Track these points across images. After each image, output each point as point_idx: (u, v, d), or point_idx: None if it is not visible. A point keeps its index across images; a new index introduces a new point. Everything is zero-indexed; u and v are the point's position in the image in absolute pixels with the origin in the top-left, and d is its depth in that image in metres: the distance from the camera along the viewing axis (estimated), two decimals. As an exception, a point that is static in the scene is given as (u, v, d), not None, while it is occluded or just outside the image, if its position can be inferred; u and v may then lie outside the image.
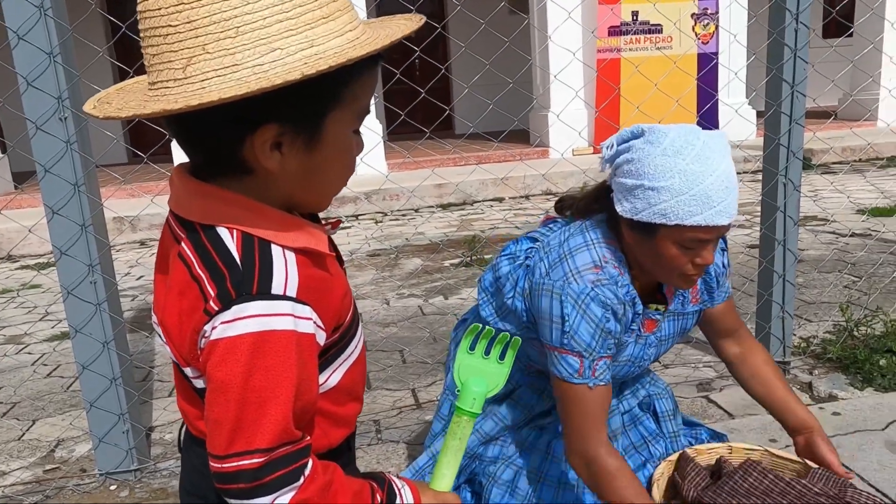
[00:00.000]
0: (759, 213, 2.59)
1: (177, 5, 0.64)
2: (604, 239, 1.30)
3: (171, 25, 0.65)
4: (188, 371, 0.76)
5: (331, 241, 0.82)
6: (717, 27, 8.12)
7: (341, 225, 0.78)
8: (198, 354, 0.72)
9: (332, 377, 0.81)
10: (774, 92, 2.34)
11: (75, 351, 1.96)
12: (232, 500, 0.72)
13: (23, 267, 5.29)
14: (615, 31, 8.07)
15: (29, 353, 3.30)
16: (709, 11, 8.08)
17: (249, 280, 0.69)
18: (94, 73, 2.14)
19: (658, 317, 1.38)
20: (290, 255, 0.73)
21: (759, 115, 8.24)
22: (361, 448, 2.17)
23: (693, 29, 8.11)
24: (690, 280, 1.26)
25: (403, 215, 6.40)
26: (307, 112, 0.71)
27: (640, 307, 1.30)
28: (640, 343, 1.37)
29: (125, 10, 2.28)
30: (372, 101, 0.79)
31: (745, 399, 2.40)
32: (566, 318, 1.23)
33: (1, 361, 3.21)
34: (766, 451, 1.53)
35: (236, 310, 0.68)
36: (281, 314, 0.69)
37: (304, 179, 0.75)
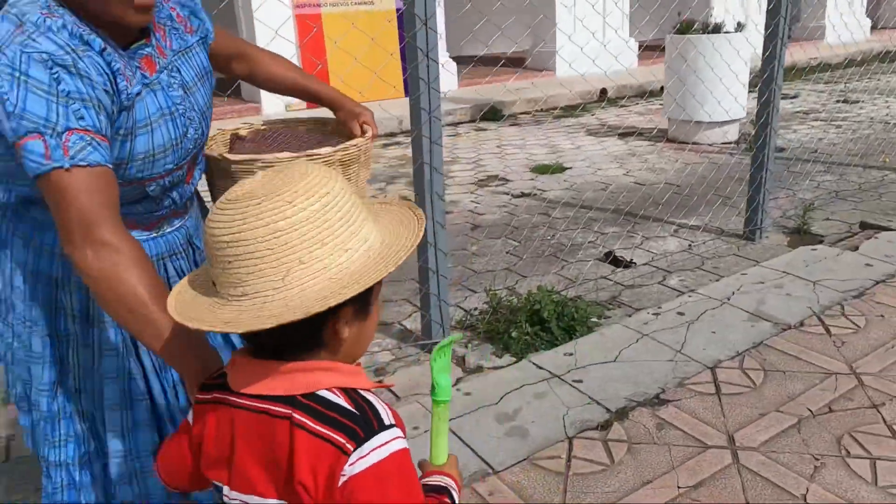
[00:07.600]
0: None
1: (274, 234, 0.84)
2: (26, 3, 1.16)
3: (269, 249, 0.84)
4: None
5: None
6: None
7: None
8: (334, 493, 0.89)
9: None
10: (411, 56, 2.43)
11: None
12: None
13: None
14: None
15: None
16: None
17: (369, 420, 0.91)
18: None
19: (149, 51, 1.29)
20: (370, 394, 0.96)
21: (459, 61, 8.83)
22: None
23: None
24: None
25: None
26: (366, 292, 0.91)
27: (100, 44, 1.19)
28: (157, 88, 1.29)
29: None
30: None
31: (412, 379, 2.54)
32: (5, 98, 1.08)
33: None
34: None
35: (368, 444, 0.89)
36: (399, 437, 0.92)
37: (356, 344, 0.98)
